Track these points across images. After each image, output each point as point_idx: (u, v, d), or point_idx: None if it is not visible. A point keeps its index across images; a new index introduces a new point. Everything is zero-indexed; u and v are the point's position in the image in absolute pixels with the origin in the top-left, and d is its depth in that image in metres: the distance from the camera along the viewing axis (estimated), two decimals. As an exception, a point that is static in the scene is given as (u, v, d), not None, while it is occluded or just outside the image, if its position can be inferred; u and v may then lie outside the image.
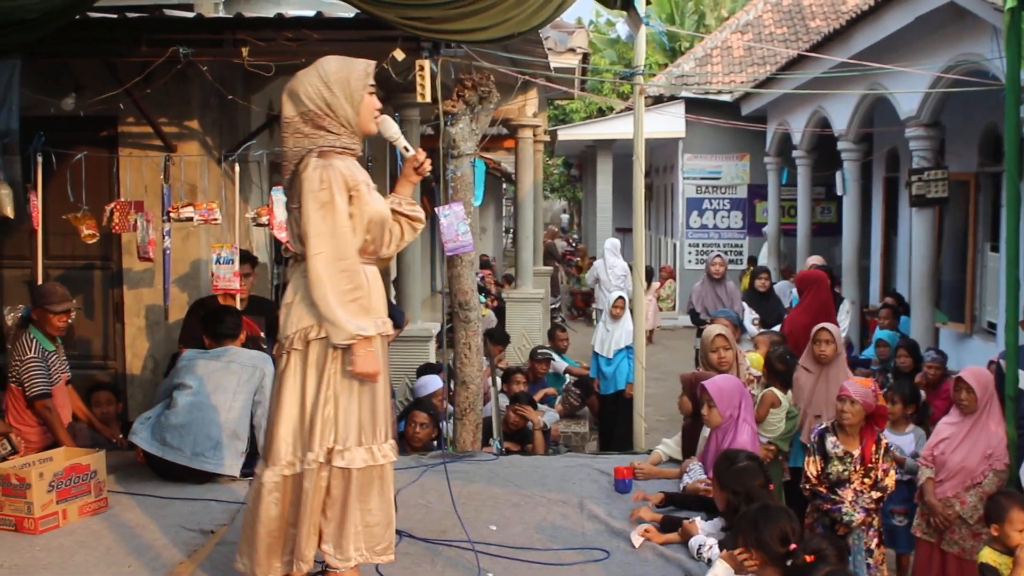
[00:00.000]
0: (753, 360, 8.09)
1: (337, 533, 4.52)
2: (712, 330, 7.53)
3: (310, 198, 4.33)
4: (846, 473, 6.05)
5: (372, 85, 4.54)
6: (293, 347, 4.48)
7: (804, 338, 7.82)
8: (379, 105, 4.61)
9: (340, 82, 4.44)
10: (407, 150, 4.78)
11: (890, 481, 6.10)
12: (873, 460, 6.05)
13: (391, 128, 4.74)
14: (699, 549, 5.17)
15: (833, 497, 6.05)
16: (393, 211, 4.72)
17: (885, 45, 12.08)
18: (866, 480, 6.04)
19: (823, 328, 7.84)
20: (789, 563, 4.39)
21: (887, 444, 6.20)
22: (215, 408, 6.61)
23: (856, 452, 6.06)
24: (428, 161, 4.80)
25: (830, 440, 6.13)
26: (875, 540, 6.14)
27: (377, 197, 4.58)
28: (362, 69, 4.52)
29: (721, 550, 5.08)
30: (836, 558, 4.69)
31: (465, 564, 5.17)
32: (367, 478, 4.52)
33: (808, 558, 4.63)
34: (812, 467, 6.16)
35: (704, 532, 5.32)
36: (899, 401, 7.54)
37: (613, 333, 11.34)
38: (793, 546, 4.38)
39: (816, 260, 13.17)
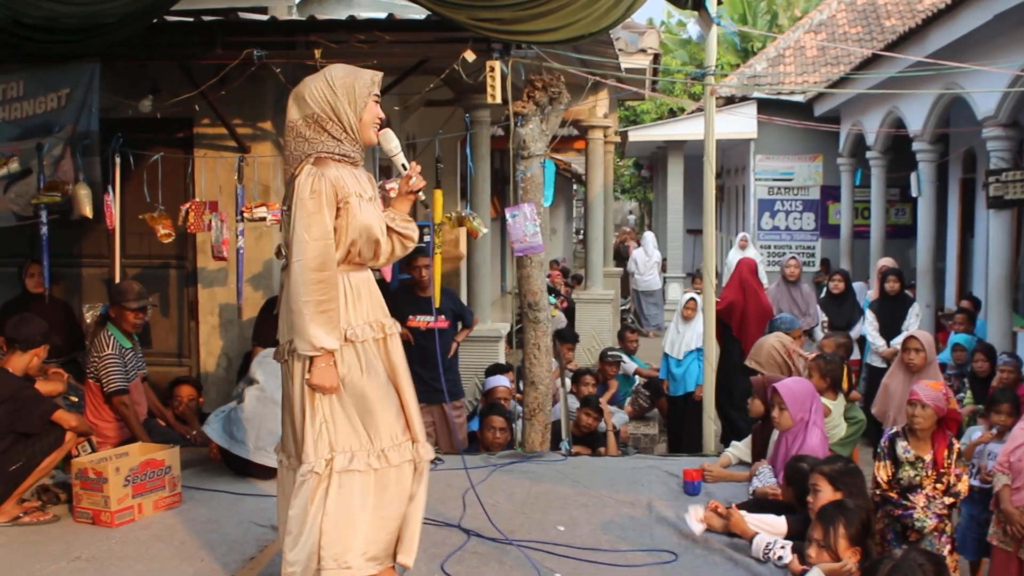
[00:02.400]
0: None
1: (336, 539, 4.46)
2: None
3: (298, 205, 4.34)
4: (917, 478, 5.95)
5: (377, 96, 4.56)
6: (284, 357, 4.53)
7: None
8: (382, 115, 4.61)
9: (345, 87, 4.47)
10: (404, 168, 4.76)
11: (963, 486, 5.99)
12: (945, 465, 5.94)
13: (391, 141, 4.72)
14: (766, 548, 5.13)
15: (904, 503, 5.96)
16: (387, 227, 4.70)
17: (962, 44, 11.88)
18: (938, 485, 5.94)
19: (912, 337, 7.75)
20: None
21: (959, 449, 6.09)
22: (278, 404, 6.69)
23: (928, 457, 5.95)
24: (420, 182, 4.77)
25: (901, 445, 6.03)
26: (948, 547, 6.04)
27: (369, 210, 4.54)
28: (368, 78, 4.54)
29: (794, 553, 5.04)
30: (934, 574, 4.63)
31: (532, 564, 5.17)
32: (365, 483, 4.48)
33: None
34: (882, 472, 6.06)
35: (765, 530, 5.29)
36: (1005, 410, 7.41)
37: (684, 334, 11.26)
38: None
39: (887, 262, 12.98)
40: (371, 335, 4.56)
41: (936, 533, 5.97)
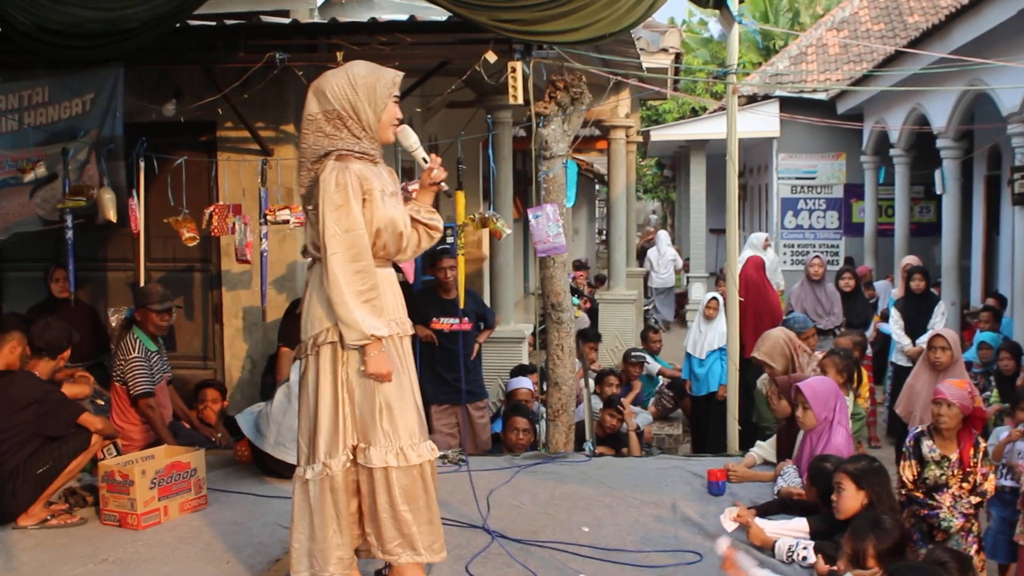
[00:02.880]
0: None
1: (374, 531, 4.57)
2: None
3: (326, 200, 4.38)
4: (943, 478, 5.91)
5: (397, 96, 4.58)
6: (308, 352, 4.56)
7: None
8: (400, 115, 4.64)
9: (367, 87, 4.49)
10: (425, 161, 4.79)
11: (989, 486, 5.95)
12: (971, 464, 5.90)
13: (410, 137, 4.76)
14: (789, 551, 5.11)
15: (930, 503, 5.92)
16: (412, 219, 4.75)
17: (986, 40, 11.81)
18: (964, 485, 5.90)
19: (938, 335, 7.71)
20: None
21: (986, 448, 6.05)
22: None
23: (953, 456, 5.91)
24: (442, 172, 4.81)
25: (926, 444, 5.99)
26: (974, 547, 5.99)
27: (392, 204, 4.60)
28: (389, 78, 4.57)
29: (817, 553, 5.02)
30: (960, 572, 4.60)
31: (557, 565, 5.17)
32: (388, 478, 4.52)
33: None
34: (908, 472, 6.02)
35: (785, 534, 5.28)
36: None
37: (706, 334, 11.23)
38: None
39: (912, 260, 12.90)
40: (396, 331, 4.61)
41: (963, 533, 5.93)
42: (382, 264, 4.63)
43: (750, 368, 9.94)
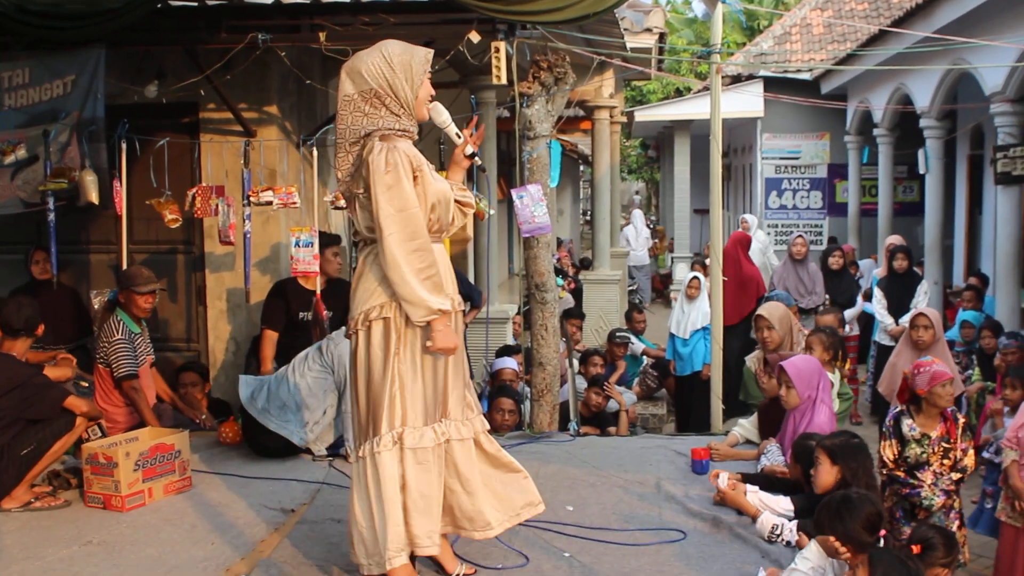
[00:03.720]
0: None
1: (425, 513, 4.52)
2: (758, 310, 7.52)
3: (378, 181, 4.37)
4: (924, 456, 5.96)
5: (429, 72, 4.60)
6: (358, 328, 4.55)
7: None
8: (433, 92, 4.65)
9: (403, 64, 4.49)
10: (458, 136, 4.80)
11: (969, 461, 6.00)
12: (952, 440, 5.95)
13: (442, 114, 4.77)
14: (773, 529, 5.14)
15: (912, 481, 5.96)
16: None
17: (969, 19, 11.83)
18: (945, 461, 5.95)
19: (921, 314, 7.73)
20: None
21: (966, 423, 6.09)
22: (294, 375, 6.92)
23: (934, 434, 5.96)
24: (474, 144, 4.82)
25: (906, 423, 6.03)
26: (956, 523, 6.05)
27: (438, 178, 4.64)
28: (423, 55, 4.58)
29: (799, 532, 5.05)
30: (945, 547, 4.63)
31: (542, 544, 5.19)
32: (438, 457, 4.55)
33: (915, 548, 4.58)
34: (888, 451, 6.07)
35: (771, 509, 5.31)
36: (1020, 387, 7.39)
37: (689, 314, 11.27)
38: (883, 533, 4.32)
39: (895, 240, 12.96)
40: (456, 306, 4.65)
41: (944, 510, 5.98)
42: (435, 239, 4.63)
43: (734, 338, 10.03)
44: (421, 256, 4.37)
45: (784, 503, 5.39)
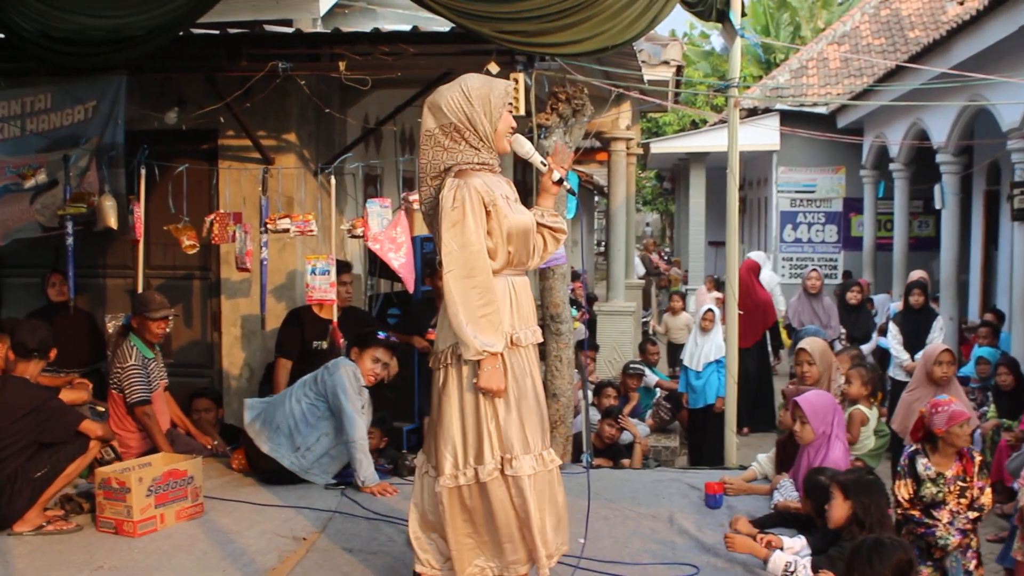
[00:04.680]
0: None
1: (520, 541, 4.59)
2: (800, 344, 7.46)
3: (444, 217, 4.43)
4: (940, 495, 5.91)
5: (511, 105, 4.64)
6: (447, 362, 4.58)
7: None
8: (514, 124, 4.69)
9: (481, 98, 4.53)
10: (543, 164, 4.83)
11: (987, 500, 5.95)
12: (968, 479, 5.90)
13: (524, 146, 4.79)
14: (787, 568, 5.10)
15: (927, 521, 5.91)
16: (537, 223, 4.79)
17: (986, 55, 11.84)
18: (962, 500, 5.90)
19: (946, 350, 7.69)
20: None
21: (982, 461, 6.04)
22: (290, 400, 6.94)
23: (949, 473, 5.91)
24: (562, 170, 4.83)
25: (921, 462, 5.98)
26: (973, 562, 5.98)
27: (519, 209, 4.65)
28: (503, 87, 4.62)
29: (815, 571, 5.00)
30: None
31: (554, 576, 5.16)
32: (540, 485, 4.57)
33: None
34: (903, 491, 6.01)
35: (787, 548, 5.26)
36: None
37: (702, 347, 11.24)
38: None
39: (920, 275, 12.96)
40: (531, 340, 4.66)
41: (960, 549, 5.93)
42: (518, 272, 4.68)
43: (748, 359, 10.08)
44: (479, 293, 4.39)
45: (799, 543, 5.34)
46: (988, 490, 6.00)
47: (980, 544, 6.20)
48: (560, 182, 4.82)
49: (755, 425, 12.16)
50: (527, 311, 4.66)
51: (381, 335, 7.14)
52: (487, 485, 4.50)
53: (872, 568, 4.24)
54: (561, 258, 7.58)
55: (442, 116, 4.54)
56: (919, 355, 10.29)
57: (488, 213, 4.47)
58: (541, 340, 4.80)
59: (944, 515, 5.88)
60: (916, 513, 5.94)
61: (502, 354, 4.47)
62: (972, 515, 5.90)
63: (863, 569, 4.27)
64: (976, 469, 5.94)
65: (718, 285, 17.14)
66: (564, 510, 4.78)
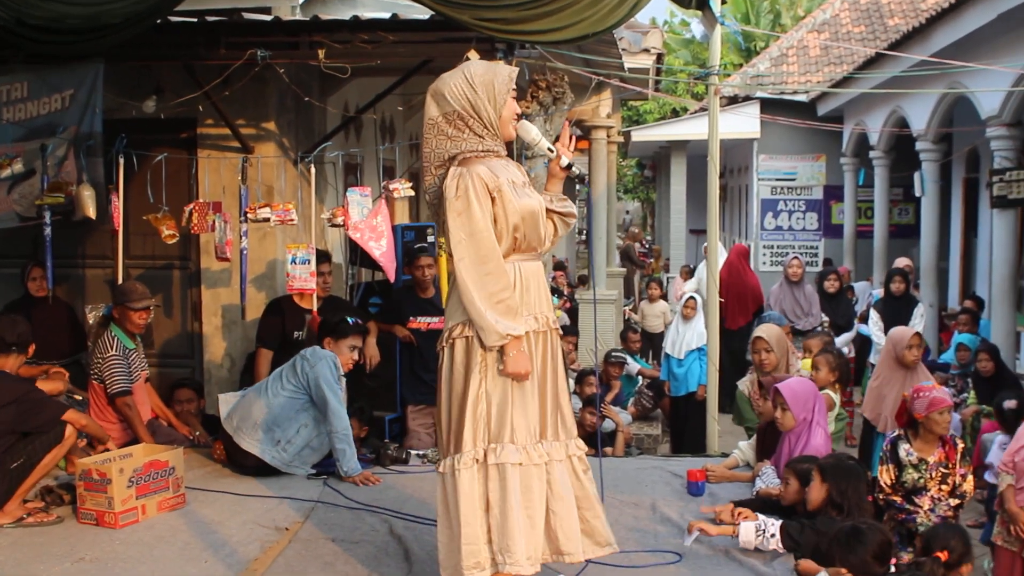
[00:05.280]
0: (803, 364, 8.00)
1: (500, 534, 4.44)
2: (755, 332, 7.50)
3: (449, 207, 4.41)
4: (922, 481, 5.93)
5: (514, 91, 4.60)
6: (443, 345, 4.58)
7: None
8: (519, 110, 4.65)
9: (485, 84, 4.50)
10: (551, 150, 4.79)
11: (968, 487, 5.97)
12: (950, 465, 5.92)
13: (531, 131, 4.77)
14: (758, 531, 5.16)
15: (907, 507, 5.93)
16: (547, 208, 4.76)
17: (966, 43, 11.87)
18: (943, 487, 5.92)
19: (916, 334, 7.71)
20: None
21: (964, 448, 6.07)
22: (266, 394, 6.89)
23: (932, 459, 5.93)
24: (569, 155, 4.76)
25: (903, 448, 6.00)
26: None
27: (527, 193, 4.60)
28: (506, 73, 4.58)
29: (785, 535, 5.06)
30: (964, 544, 4.60)
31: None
32: (528, 478, 4.49)
33: (942, 555, 4.55)
34: (885, 475, 6.03)
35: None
36: None
37: (684, 334, 11.26)
38: (893, 562, 4.30)
39: (904, 263, 13.01)
40: (534, 327, 4.58)
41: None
42: (529, 257, 4.63)
43: (738, 340, 10.15)
44: (494, 279, 4.37)
45: (774, 526, 5.36)
46: (970, 477, 6.03)
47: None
48: (569, 167, 4.78)
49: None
50: (534, 297, 4.59)
51: (351, 321, 7.12)
52: (459, 474, 4.45)
53: (854, 553, 4.27)
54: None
55: (445, 104, 4.51)
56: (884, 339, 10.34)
57: (492, 199, 4.44)
58: (554, 327, 4.71)
59: (925, 501, 5.90)
60: (897, 499, 5.96)
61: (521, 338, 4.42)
62: (953, 502, 5.92)
63: (845, 555, 4.29)
64: (959, 456, 5.96)
65: (693, 273, 17.21)
66: (541, 519, 4.56)
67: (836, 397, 7.15)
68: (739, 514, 5.46)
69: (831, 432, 7.06)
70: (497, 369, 4.45)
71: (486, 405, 4.47)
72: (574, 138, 4.87)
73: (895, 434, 6.17)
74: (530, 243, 4.61)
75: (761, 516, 5.36)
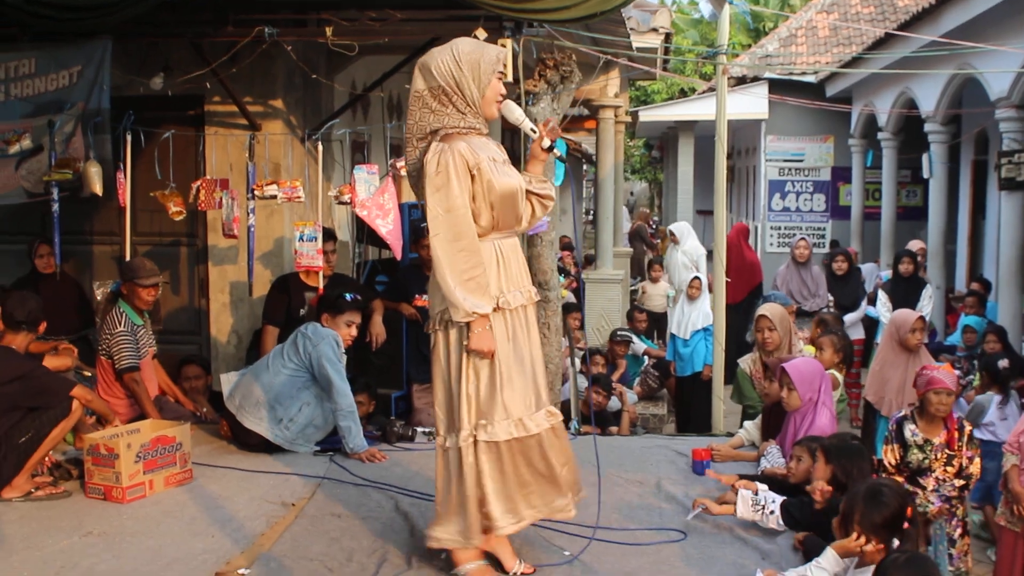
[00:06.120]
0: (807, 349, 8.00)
1: (500, 500, 4.60)
2: (759, 310, 7.50)
3: (428, 183, 4.46)
4: (926, 461, 5.93)
5: (501, 72, 4.64)
6: (436, 327, 4.63)
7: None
8: (503, 91, 4.69)
9: (471, 63, 4.54)
10: (533, 131, 4.83)
11: (975, 468, 5.97)
12: (956, 447, 5.93)
13: (515, 111, 4.80)
14: (755, 502, 5.20)
15: (911, 488, 5.94)
16: (526, 189, 4.80)
17: (975, 24, 11.83)
18: (948, 468, 5.92)
19: (920, 317, 7.71)
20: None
21: (971, 431, 6.07)
22: (267, 372, 6.88)
23: (937, 440, 5.93)
24: (551, 136, 4.81)
25: (909, 428, 6.00)
26: (958, 530, 6.02)
27: (507, 171, 4.65)
28: (493, 54, 4.62)
29: (785, 512, 5.08)
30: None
31: (542, 543, 5.18)
32: (522, 449, 4.61)
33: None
34: (890, 455, 6.04)
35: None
36: None
37: (689, 315, 11.26)
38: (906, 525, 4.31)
39: (917, 244, 12.99)
40: (521, 302, 4.67)
41: (946, 516, 5.96)
42: (507, 235, 4.69)
43: (738, 313, 10.20)
44: (465, 257, 4.43)
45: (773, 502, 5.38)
46: (977, 460, 6.03)
47: (967, 512, 6.24)
48: (550, 149, 4.81)
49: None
50: (516, 272, 4.69)
51: (348, 297, 7.13)
52: (461, 451, 4.57)
53: (877, 509, 4.27)
54: (543, 225, 7.56)
55: (431, 78, 4.55)
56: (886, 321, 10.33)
57: (472, 177, 4.49)
58: (537, 299, 4.83)
59: (929, 482, 5.91)
60: (901, 479, 5.97)
61: (488, 316, 4.50)
62: (959, 483, 5.93)
63: (866, 511, 4.29)
64: (965, 439, 5.95)
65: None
66: (560, 472, 4.76)
67: (840, 378, 7.16)
68: (740, 483, 5.49)
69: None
70: (457, 347, 4.54)
71: (479, 384, 4.56)
72: (555, 121, 4.92)
73: (901, 414, 6.17)
74: (508, 222, 4.67)
75: (762, 489, 5.37)
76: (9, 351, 6.09)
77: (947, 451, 5.93)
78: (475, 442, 4.55)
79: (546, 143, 4.79)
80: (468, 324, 4.46)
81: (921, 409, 6.00)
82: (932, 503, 5.89)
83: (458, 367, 4.58)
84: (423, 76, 4.59)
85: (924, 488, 5.92)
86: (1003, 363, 8.08)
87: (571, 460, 4.88)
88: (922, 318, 8.06)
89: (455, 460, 4.62)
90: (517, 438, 4.58)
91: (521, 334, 4.68)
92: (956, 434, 5.96)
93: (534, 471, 4.67)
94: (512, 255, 4.70)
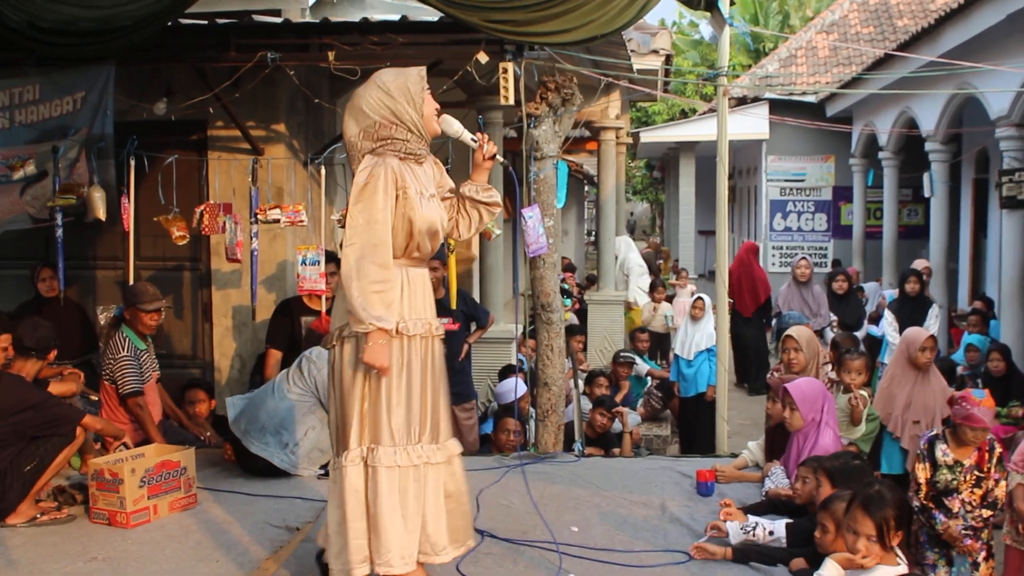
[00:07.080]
0: None
1: (375, 533, 4.48)
2: (787, 331, 7.47)
3: (354, 192, 4.42)
4: (955, 483, 5.88)
5: (427, 88, 4.63)
6: (333, 343, 4.58)
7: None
8: (437, 105, 4.68)
9: (400, 88, 4.53)
10: (474, 141, 4.85)
11: (1000, 492, 5.89)
12: (985, 468, 5.87)
13: (453, 125, 4.82)
14: (744, 530, 5.20)
15: (929, 506, 5.89)
16: (470, 198, 4.84)
17: (974, 44, 11.87)
18: (976, 490, 5.86)
19: (931, 336, 7.69)
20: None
21: (1000, 454, 6.00)
22: (273, 397, 6.89)
23: (967, 461, 5.88)
24: (492, 145, 4.85)
25: (940, 448, 5.93)
26: (983, 553, 5.96)
27: (431, 206, 4.61)
28: (416, 73, 4.62)
29: (790, 533, 5.07)
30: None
31: (547, 565, 5.18)
32: (404, 480, 4.51)
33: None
34: (922, 474, 5.97)
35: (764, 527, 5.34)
36: None
37: (693, 335, 11.27)
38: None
39: (923, 264, 13.00)
40: (420, 332, 4.60)
41: (973, 540, 5.90)
42: (416, 263, 4.65)
43: (749, 327, 10.13)
44: (376, 270, 4.35)
45: (779, 528, 5.36)
46: (1003, 483, 5.96)
47: (991, 536, 6.16)
48: (493, 157, 4.84)
49: (758, 389, 12.82)
50: (420, 303, 4.61)
51: None
52: (344, 471, 4.48)
53: (882, 507, 4.28)
54: (543, 247, 7.57)
55: (364, 118, 4.51)
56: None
57: (396, 197, 4.45)
58: (440, 334, 4.72)
59: (955, 504, 5.85)
60: (929, 503, 5.89)
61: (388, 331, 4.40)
62: (986, 513, 5.86)
63: (876, 508, 4.31)
64: (995, 461, 5.90)
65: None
66: (451, 509, 4.67)
67: (867, 396, 7.14)
68: (727, 513, 5.48)
69: (865, 432, 7.05)
70: (351, 364, 4.48)
71: (369, 405, 4.50)
72: (485, 135, 4.89)
73: (932, 433, 6.10)
74: (423, 252, 4.64)
75: (752, 517, 5.37)
76: (19, 380, 6.09)
77: (976, 472, 5.87)
78: (365, 465, 4.48)
79: (488, 150, 4.82)
80: (366, 336, 4.37)
81: (954, 430, 5.94)
82: (953, 526, 5.83)
83: (351, 384, 4.49)
84: (355, 120, 4.53)
85: (949, 510, 5.85)
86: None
87: (463, 504, 4.78)
88: (933, 337, 8.04)
89: (339, 480, 4.51)
90: (401, 466, 4.49)
91: (417, 364, 4.57)
92: (987, 455, 5.90)
93: (418, 504, 4.55)
94: (419, 285, 4.63)
